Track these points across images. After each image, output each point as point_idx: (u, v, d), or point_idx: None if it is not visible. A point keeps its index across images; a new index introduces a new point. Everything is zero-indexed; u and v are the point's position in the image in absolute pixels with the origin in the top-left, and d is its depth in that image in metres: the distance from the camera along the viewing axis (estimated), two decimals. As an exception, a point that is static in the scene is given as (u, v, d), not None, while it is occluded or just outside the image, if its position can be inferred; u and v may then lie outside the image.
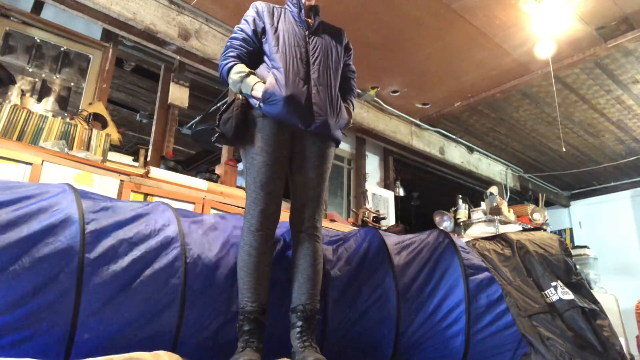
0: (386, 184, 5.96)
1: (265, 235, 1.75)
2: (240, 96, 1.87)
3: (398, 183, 6.19)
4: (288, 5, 2.00)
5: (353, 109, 2.09)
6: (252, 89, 1.80)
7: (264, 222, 1.76)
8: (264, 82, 1.82)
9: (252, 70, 1.87)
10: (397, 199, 6.01)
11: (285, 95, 1.76)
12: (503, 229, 4.95)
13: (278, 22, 1.93)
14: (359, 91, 5.06)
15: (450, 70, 4.79)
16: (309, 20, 1.98)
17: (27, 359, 1.31)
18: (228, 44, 1.93)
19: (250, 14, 1.97)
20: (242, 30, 1.94)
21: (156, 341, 1.57)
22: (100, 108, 3.36)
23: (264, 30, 1.92)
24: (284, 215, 1.89)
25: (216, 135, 1.87)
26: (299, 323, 1.68)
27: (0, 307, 1.37)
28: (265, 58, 1.91)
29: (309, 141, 1.87)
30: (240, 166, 2.96)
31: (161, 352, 1.47)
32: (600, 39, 4.17)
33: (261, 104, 1.78)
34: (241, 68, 1.86)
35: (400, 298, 2.02)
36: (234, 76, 1.84)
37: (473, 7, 3.79)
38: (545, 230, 4.61)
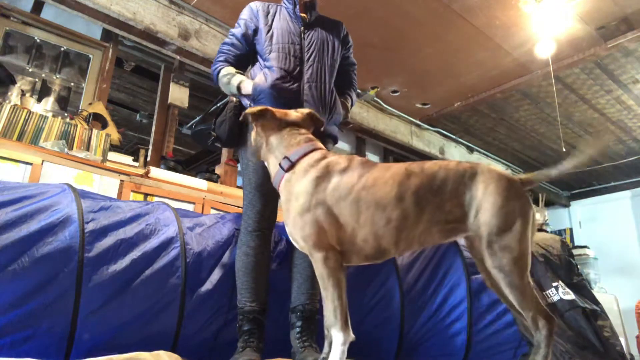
0: (386, 184, 5.94)
1: (262, 236, 1.75)
2: (234, 99, 1.87)
3: (398, 183, 6.17)
4: (284, 2, 1.99)
5: (352, 104, 2.06)
6: (238, 87, 1.80)
7: (261, 223, 1.76)
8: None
9: (240, 71, 1.88)
10: (397, 199, 5.99)
11: (272, 91, 1.75)
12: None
13: (272, 21, 1.92)
14: (359, 91, 5.05)
15: (450, 70, 4.78)
16: (305, 16, 1.96)
17: (27, 359, 1.31)
18: (219, 49, 1.96)
19: (243, 16, 1.97)
20: (233, 34, 1.95)
21: (156, 341, 1.56)
22: (100, 108, 3.36)
23: (256, 30, 1.91)
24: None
25: (212, 138, 1.89)
26: (299, 323, 1.68)
27: (0, 307, 1.37)
28: (259, 58, 1.90)
29: None
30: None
31: (161, 352, 1.47)
32: (600, 39, 4.16)
33: (251, 104, 1.78)
34: (228, 70, 1.86)
35: (404, 297, 2.01)
36: (222, 79, 1.86)
37: (473, 7, 3.78)
38: (546, 231, 4.60)
